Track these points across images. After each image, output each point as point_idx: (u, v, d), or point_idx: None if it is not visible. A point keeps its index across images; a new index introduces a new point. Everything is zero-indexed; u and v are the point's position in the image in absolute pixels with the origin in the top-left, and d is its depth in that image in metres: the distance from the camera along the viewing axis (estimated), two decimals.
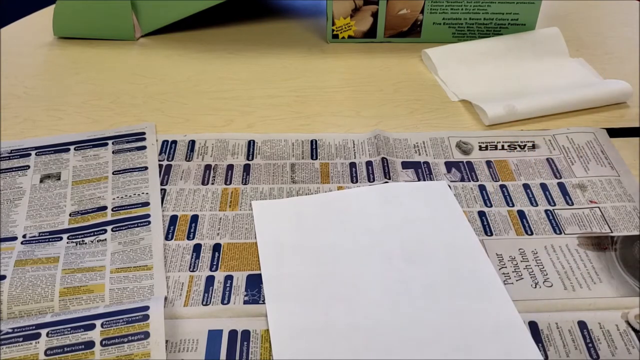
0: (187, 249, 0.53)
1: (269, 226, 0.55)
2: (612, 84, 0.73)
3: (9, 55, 0.84)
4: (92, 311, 0.45)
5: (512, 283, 0.50)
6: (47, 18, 0.89)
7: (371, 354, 0.44)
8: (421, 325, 0.46)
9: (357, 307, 0.48)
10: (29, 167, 0.62)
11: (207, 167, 0.62)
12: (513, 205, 0.58)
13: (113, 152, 0.64)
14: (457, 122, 0.70)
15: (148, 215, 0.56)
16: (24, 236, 0.54)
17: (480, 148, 0.65)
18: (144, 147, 0.64)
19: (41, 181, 0.60)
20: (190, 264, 0.52)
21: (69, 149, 0.64)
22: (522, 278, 0.50)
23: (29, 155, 0.63)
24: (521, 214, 0.57)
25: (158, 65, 0.82)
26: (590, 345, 0.45)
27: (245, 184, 0.60)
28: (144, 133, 0.66)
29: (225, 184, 0.60)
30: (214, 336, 0.46)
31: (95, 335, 0.43)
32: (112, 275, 0.50)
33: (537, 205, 0.58)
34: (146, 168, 0.62)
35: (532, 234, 0.55)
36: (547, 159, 0.63)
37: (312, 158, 0.64)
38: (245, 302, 0.48)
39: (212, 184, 0.60)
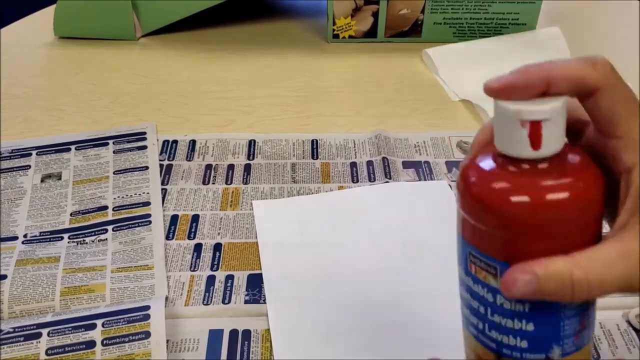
0: (188, 248, 0.53)
1: (269, 226, 0.55)
2: None
3: (9, 55, 0.84)
4: (93, 311, 0.45)
5: None
6: (47, 18, 0.88)
7: (371, 353, 0.44)
8: (422, 325, 0.46)
9: (357, 307, 0.48)
10: (29, 166, 0.62)
11: (208, 167, 0.62)
12: None
13: (114, 152, 0.64)
14: (457, 121, 0.70)
15: (149, 215, 0.56)
16: (25, 236, 0.54)
17: None
18: (144, 147, 0.64)
19: (42, 181, 0.60)
20: (191, 264, 0.52)
21: (69, 149, 0.64)
22: None
23: (30, 155, 0.63)
24: None
25: (158, 65, 0.82)
26: None
27: (246, 184, 0.60)
28: (144, 133, 0.66)
29: (226, 183, 0.60)
30: (214, 336, 0.46)
31: (96, 334, 0.43)
32: (112, 274, 0.50)
33: None
34: (147, 168, 0.61)
35: None
36: None
37: (312, 158, 0.64)
38: (246, 302, 0.48)
39: (213, 183, 0.60)
